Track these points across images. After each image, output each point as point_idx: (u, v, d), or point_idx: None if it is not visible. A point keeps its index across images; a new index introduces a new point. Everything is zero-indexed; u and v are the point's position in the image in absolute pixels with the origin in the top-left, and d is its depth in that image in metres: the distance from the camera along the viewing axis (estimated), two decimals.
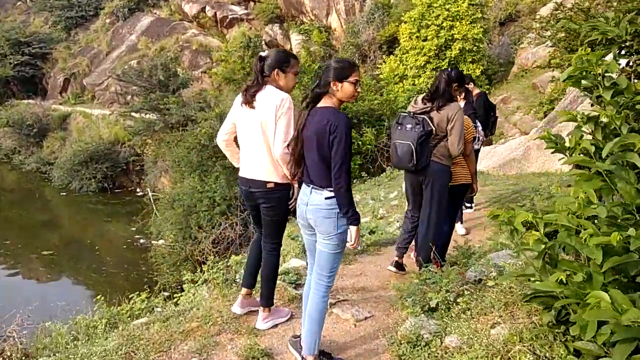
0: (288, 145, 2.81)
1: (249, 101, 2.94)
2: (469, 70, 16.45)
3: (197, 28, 30.68)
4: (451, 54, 16.26)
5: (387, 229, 5.43)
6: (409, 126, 3.44)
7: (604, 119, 1.61)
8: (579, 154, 1.60)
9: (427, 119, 3.41)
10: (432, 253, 3.59)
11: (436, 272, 3.24)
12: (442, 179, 3.55)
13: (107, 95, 27.02)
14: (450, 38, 16.40)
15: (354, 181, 9.71)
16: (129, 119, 20.22)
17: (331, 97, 2.53)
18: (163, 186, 17.87)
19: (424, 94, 3.68)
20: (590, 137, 1.83)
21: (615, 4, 9.58)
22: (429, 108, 3.49)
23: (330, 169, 2.47)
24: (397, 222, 5.64)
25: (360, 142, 10.39)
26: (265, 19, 28.42)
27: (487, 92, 16.81)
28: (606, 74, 1.68)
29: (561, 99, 9.72)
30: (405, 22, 17.33)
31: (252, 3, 30.02)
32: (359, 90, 2.62)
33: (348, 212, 2.51)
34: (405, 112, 3.62)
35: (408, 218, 3.89)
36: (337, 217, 2.53)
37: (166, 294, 11.25)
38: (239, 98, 3.04)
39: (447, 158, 3.50)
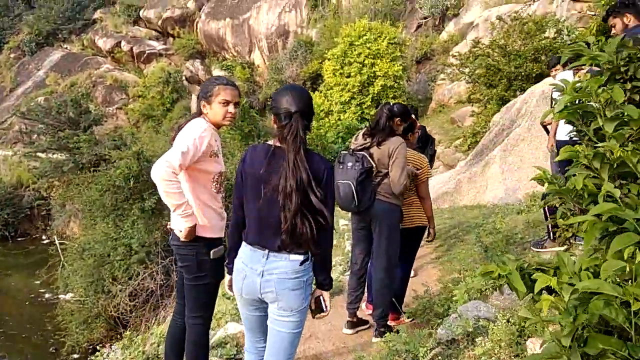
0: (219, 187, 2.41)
1: (173, 137, 2.45)
2: None
3: (111, 63, 29.31)
4: (374, 90, 16.67)
5: None
6: (349, 164, 3.18)
7: (612, 154, 1.31)
8: (604, 200, 1.28)
9: (367, 155, 3.15)
10: (387, 304, 3.21)
11: (399, 331, 2.83)
12: (390, 218, 3.24)
13: (10, 135, 24.66)
14: (372, 75, 16.84)
15: None
16: (34, 159, 18.46)
17: (276, 135, 2.09)
18: (72, 233, 16.30)
19: (364, 129, 3.43)
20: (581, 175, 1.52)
21: (528, 41, 10.26)
22: (368, 144, 3.22)
23: (308, 226, 1.98)
24: (340, 265, 5.23)
25: None
26: (186, 55, 27.82)
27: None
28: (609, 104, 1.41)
29: (483, 131, 10.02)
30: (329, 59, 17.59)
31: (170, 38, 29.31)
32: None
33: (328, 274, 2.13)
34: (345, 150, 3.36)
35: (354, 271, 3.49)
36: (306, 286, 2.08)
37: (75, 356, 9.97)
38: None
39: (394, 196, 3.21)
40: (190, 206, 2.38)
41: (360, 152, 3.18)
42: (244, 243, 2.14)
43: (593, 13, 12.46)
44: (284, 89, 2.14)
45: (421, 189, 3.43)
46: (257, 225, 2.07)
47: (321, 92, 18.17)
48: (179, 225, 2.40)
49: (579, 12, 12.63)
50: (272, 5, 25.43)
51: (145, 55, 28.75)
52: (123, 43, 28.90)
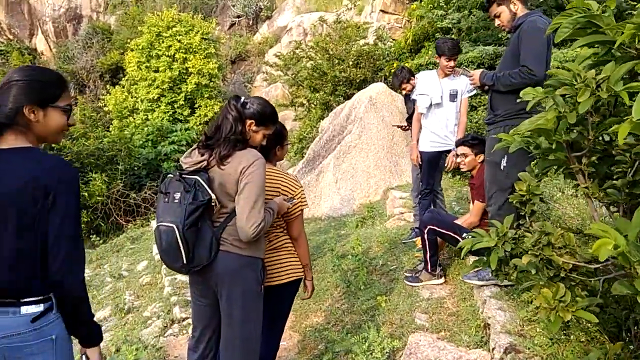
0: None
1: None
2: (206, 107, 15.62)
3: None
4: (187, 88, 15.14)
5: (144, 333, 3.66)
6: (176, 195, 2.06)
7: None
8: None
9: (203, 180, 2.04)
10: None
11: None
12: (243, 280, 2.10)
13: None
14: (184, 71, 15.28)
15: None
16: None
17: (24, 132, 1.56)
18: None
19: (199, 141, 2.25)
20: None
21: (349, 46, 10.19)
22: (205, 162, 2.11)
23: (37, 258, 1.49)
24: (158, 317, 3.89)
25: (86, 194, 8.01)
26: None
27: None
28: None
29: (309, 137, 9.59)
30: (132, 50, 15.40)
31: None
32: (73, 121, 1.71)
33: (88, 325, 1.61)
34: (172, 172, 2.18)
35: (193, 348, 2.26)
36: (55, 345, 1.54)
37: None
38: None
39: (248, 244, 2.09)
40: None
41: (193, 177, 2.06)
42: None
43: (400, 25, 13.24)
44: None
45: (293, 227, 2.39)
46: None
47: (123, 86, 15.84)
48: None
49: (388, 24, 13.31)
50: None
51: None
52: None
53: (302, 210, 2.43)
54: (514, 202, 1.82)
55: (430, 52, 8.68)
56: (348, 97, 9.16)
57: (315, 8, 18.74)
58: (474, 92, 4.14)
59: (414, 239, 4.08)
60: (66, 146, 8.29)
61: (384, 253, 4.16)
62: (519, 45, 2.78)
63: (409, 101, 4.71)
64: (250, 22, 22.08)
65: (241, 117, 2.14)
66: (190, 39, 15.59)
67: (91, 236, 7.48)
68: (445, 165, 3.95)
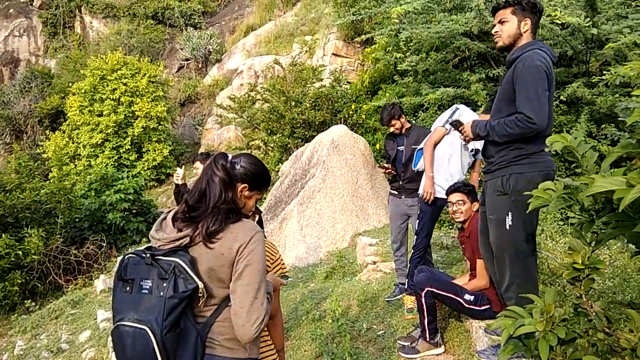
0: None
1: None
2: (155, 151, 14.95)
3: None
4: (133, 131, 14.46)
5: None
6: (146, 285, 1.57)
7: None
8: None
9: (184, 263, 1.58)
10: None
11: None
12: None
13: None
14: (131, 115, 14.63)
15: (8, 316, 6.25)
16: None
17: None
18: None
19: (178, 208, 1.76)
20: None
21: (306, 88, 10.02)
22: (187, 239, 1.64)
23: None
24: None
25: (20, 252, 7.12)
26: None
27: None
28: None
29: None
30: (74, 94, 14.63)
31: None
32: None
33: None
34: (137, 251, 1.64)
35: None
36: None
37: None
38: None
39: (243, 346, 1.64)
40: None
41: (171, 259, 1.58)
42: None
43: (352, 68, 13.35)
44: None
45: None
46: None
47: (64, 132, 14.93)
48: None
49: (341, 67, 13.39)
50: None
51: None
52: None
53: (279, 284, 2.02)
54: (567, 278, 1.51)
55: (387, 94, 8.64)
56: (307, 139, 8.90)
57: (266, 52, 18.76)
58: (472, 152, 3.74)
59: (399, 297, 3.73)
60: None
61: (367, 314, 3.76)
62: (514, 86, 2.54)
63: (395, 141, 4.31)
64: (200, 65, 21.78)
65: (231, 180, 1.72)
66: (136, 82, 15.06)
67: (25, 301, 6.59)
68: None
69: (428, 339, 2.97)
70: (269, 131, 9.46)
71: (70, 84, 15.75)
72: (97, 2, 21.54)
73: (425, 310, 2.91)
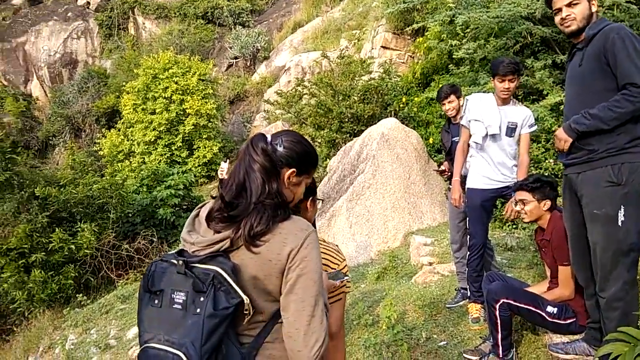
0: None
1: None
2: (205, 148, 15.11)
3: None
4: (184, 129, 14.69)
5: None
6: (179, 299, 1.28)
7: None
8: None
9: (226, 273, 1.29)
10: None
11: None
12: None
13: None
14: (182, 112, 14.86)
15: (63, 309, 6.36)
16: None
17: None
18: None
19: (213, 205, 1.44)
20: None
21: (355, 81, 9.73)
22: (227, 242, 1.34)
23: None
24: None
25: (73, 246, 7.26)
26: None
27: None
28: None
29: (316, 177, 8.96)
30: (129, 93, 15.04)
31: None
32: None
33: None
34: (167, 256, 1.36)
35: None
36: None
37: None
38: None
39: None
40: None
41: (209, 267, 1.30)
42: None
43: (402, 61, 12.89)
44: None
45: (331, 317, 1.61)
46: None
47: (119, 130, 15.38)
48: None
49: (390, 59, 12.97)
50: (54, 31, 21.46)
51: None
52: None
53: (344, 293, 1.73)
54: None
55: (441, 86, 8.19)
56: (355, 134, 8.60)
57: (313, 48, 18.60)
58: (535, 127, 3.45)
59: (461, 304, 3.37)
60: (52, 194, 7.62)
61: (426, 321, 3.43)
62: (608, 61, 2.16)
63: (450, 132, 3.95)
64: (248, 63, 21.90)
65: (274, 167, 1.41)
66: (187, 81, 15.30)
67: (78, 295, 6.69)
68: (504, 214, 3.23)
69: (501, 355, 2.60)
70: (316, 126, 9.23)
71: (124, 83, 16.21)
72: (150, 4, 22.12)
73: (499, 324, 2.54)
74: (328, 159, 8.80)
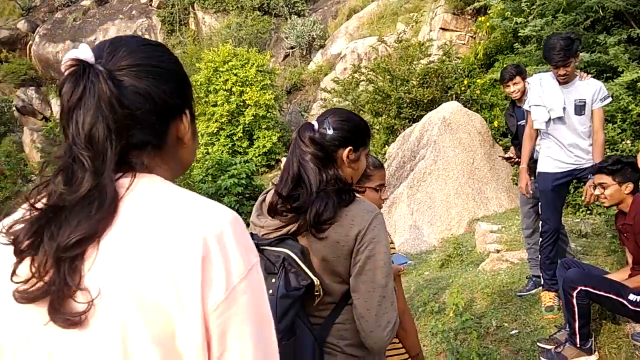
0: None
1: None
2: (264, 138, 15.43)
3: None
4: (244, 120, 15.08)
5: None
6: None
7: None
8: None
9: (295, 255, 1.31)
10: None
11: None
12: None
13: None
14: (242, 104, 15.24)
15: None
16: None
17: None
18: None
19: (272, 199, 1.45)
20: None
21: (413, 65, 9.55)
22: (295, 225, 1.37)
23: None
24: None
25: None
26: (17, 81, 23.44)
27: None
28: None
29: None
30: (191, 86, 15.58)
31: None
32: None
33: None
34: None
35: None
36: None
37: None
38: None
39: (368, 352, 1.36)
40: None
41: (279, 249, 1.33)
42: None
43: (463, 42, 12.46)
44: None
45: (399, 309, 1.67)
46: None
47: None
48: None
49: (450, 41, 12.58)
50: (121, 29, 22.56)
51: None
52: None
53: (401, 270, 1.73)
54: None
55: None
56: (415, 119, 8.45)
57: (369, 33, 18.38)
58: (609, 99, 3.27)
59: (533, 292, 3.27)
60: None
61: (496, 310, 3.35)
62: None
63: (514, 115, 3.80)
64: (304, 52, 22.01)
65: (327, 153, 1.39)
66: (246, 72, 15.65)
67: None
68: (583, 198, 3.08)
69: (578, 344, 2.51)
70: (374, 113, 9.15)
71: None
72: None
73: (576, 312, 2.44)
74: (387, 146, 8.73)
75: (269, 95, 15.63)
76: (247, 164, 10.70)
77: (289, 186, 1.39)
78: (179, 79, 0.88)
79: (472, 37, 11.82)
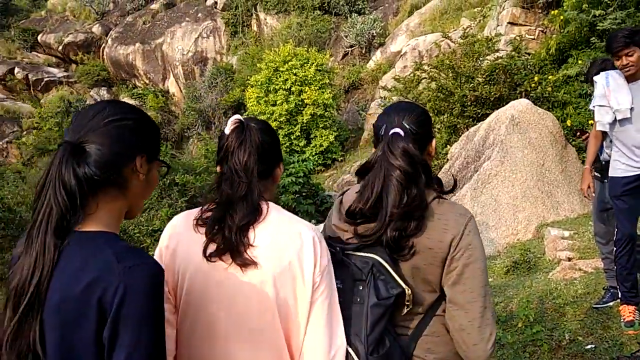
0: None
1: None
2: (322, 137, 15.45)
3: (2, 92, 25.59)
4: (302, 119, 15.18)
5: None
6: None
7: None
8: None
9: (385, 262, 1.21)
10: None
11: None
12: None
13: None
14: (300, 103, 15.36)
15: None
16: None
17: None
18: None
19: (352, 206, 1.34)
20: None
21: (479, 62, 9.19)
22: (380, 231, 1.26)
23: None
24: None
25: None
26: (90, 82, 24.92)
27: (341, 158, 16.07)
28: None
29: (434, 165, 8.65)
30: (252, 86, 15.91)
31: (73, 65, 26.23)
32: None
33: None
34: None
35: None
36: None
37: None
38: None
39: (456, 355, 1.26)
40: None
41: (368, 255, 1.24)
42: None
43: (532, 37, 11.85)
44: None
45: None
46: None
47: None
48: None
49: (519, 36, 12.02)
50: (187, 31, 23.42)
51: (43, 82, 25.50)
52: (17, 69, 25.50)
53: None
54: None
55: (580, 62, 7.36)
56: (479, 118, 8.11)
57: (431, 30, 17.94)
58: None
59: (610, 304, 3.00)
60: (189, 181, 8.36)
61: (569, 322, 3.11)
62: None
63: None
64: (363, 51, 21.84)
65: (416, 169, 1.24)
66: (305, 72, 15.75)
67: None
68: None
69: None
70: (436, 111, 8.88)
71: (248, 78, 17.19)
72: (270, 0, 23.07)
73: None
74: (449, 145, 8.44)
75: (327, 94, 15.66)
76: (304, 163, 10.76)
77: (369, 205, 1.28)
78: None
79: (542, 31, 11.21)
